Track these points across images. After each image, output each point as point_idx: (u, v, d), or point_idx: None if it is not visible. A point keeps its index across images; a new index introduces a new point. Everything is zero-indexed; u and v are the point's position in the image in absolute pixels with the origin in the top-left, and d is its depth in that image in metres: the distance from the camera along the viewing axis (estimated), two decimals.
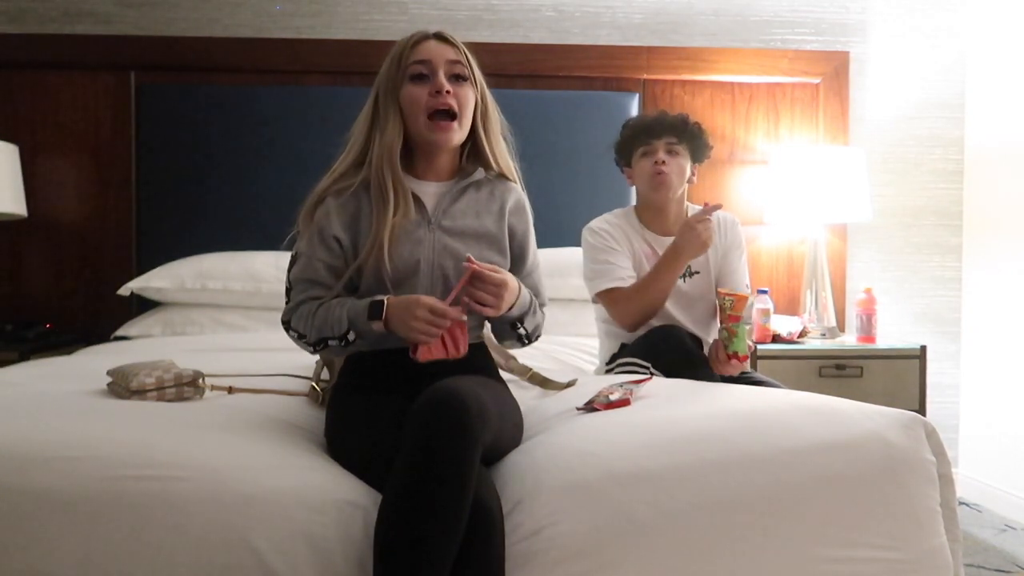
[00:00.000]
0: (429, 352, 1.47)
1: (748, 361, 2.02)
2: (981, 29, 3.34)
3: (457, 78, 1.57)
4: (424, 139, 1.58)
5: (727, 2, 3.33)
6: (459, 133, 1.58)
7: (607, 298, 2.18)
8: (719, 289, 2.10)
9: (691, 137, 2.22)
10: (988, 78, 3.29)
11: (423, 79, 1.56)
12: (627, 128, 2.29)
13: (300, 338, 1.57)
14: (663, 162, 2.18)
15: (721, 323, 2.03)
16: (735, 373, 2.05)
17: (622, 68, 3.25)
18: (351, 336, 1.50)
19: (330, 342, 1.53)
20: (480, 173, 1.63)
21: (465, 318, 1.49)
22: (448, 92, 1.55)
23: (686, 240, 2.06)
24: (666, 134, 2.20)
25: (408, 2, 3.25)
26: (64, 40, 3.12)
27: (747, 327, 2.01)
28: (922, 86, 3.41)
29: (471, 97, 1.59)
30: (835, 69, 3.31)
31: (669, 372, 1.98)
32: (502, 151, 1.66)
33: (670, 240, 2.16)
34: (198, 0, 3.20)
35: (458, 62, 1.58)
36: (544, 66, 3.22)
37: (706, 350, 2.21)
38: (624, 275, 2.17)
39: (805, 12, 3.36)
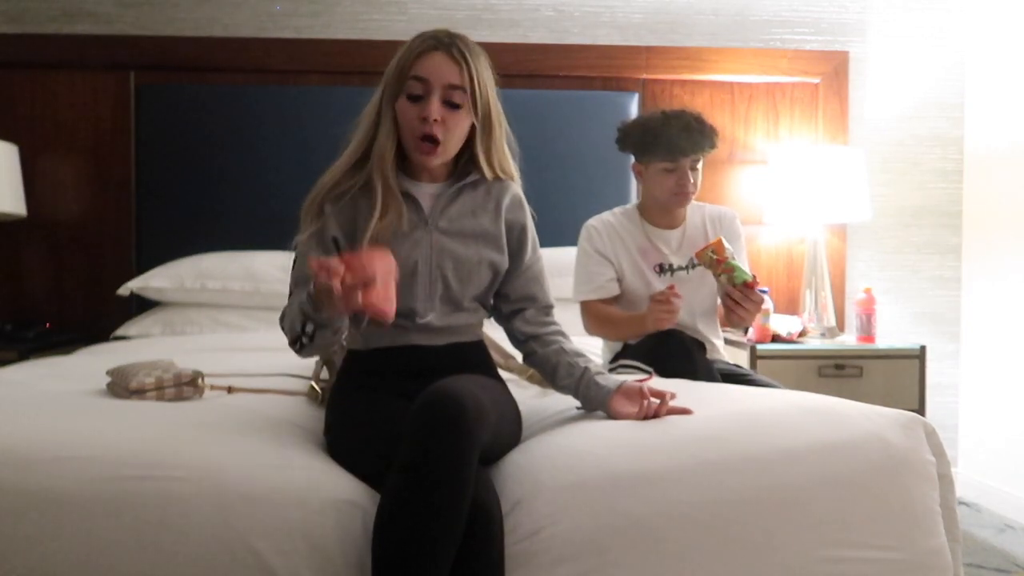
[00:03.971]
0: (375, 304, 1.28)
1: (759, 286, 2.02)
2: (981, 29, 3.34)
3: (452, 103, 1.52)
4: (410, 151, 1.56)
5: (727, 2, 3.33)
6: (441, 157, 1.55)
7: (581, 306, 2.28)
8: (695, 253, 2.08)
9: (714, 147, 2.21)
10: (988, 78, 3.29)
11: (417, 99, 1.52)
12: (650, 134, 2.18)
13: (297, 347, 1.49)
14: (692, 182, 2.18)
15: (717, 275, 2.02)
16: (759, 307, 2.04)
17: (621, 68, 3.25)
18: (308, 328, 1.41)
19: (303, 339, 1.44)
20: (476, 174, 1.62)
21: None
22: (436, 121, 1.50)
23: (652, 316, 2.04)
24: (695, 152, 2.17)
25: (407, 2, 3.25)
26: (64, 40, 3.12)
27: (728, 262, 2.01)
28: (922, 86, 3.41)
29: (464, 123, 1.54)
30: (834, 69, 3.31)
31: (670, 377, 1.98)
32: (502, 159, 1.62)
33: (670, 233, 2.28)
34: (198, 0, 3.20)
35: (458, 87, 1.51)
36: (543, 66, 3.22)
37: (709, 353, 2.22)
38: (600, 283, 2.24)
39: (805, 12, 3.36)
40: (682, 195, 2.20)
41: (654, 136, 2.17)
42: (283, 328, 1.54)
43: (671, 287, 2.04)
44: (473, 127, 1.57)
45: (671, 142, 2.14)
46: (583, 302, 2.27)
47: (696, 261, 2.25)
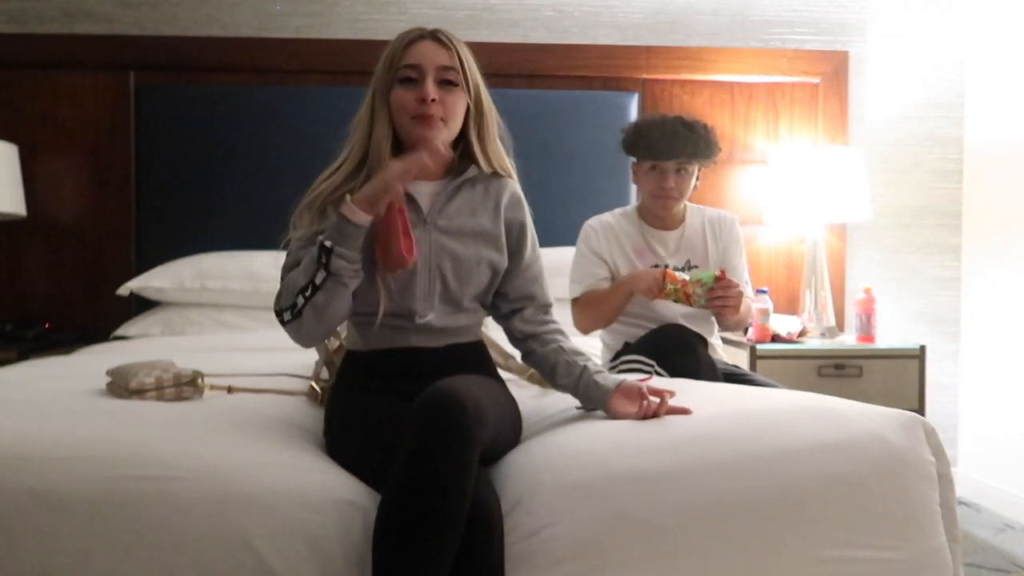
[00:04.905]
0: (391, 255, 1.46)
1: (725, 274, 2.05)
2: (981, 29, 3.34)
3: (447, 83, 1.54)
4: (409, 138, 1.56)
5: (727, 2, 3.33)
6: (443, 132, 1.55)
7: (573, 304, 2.30)
8: (660, 295, 2.09)
9: (703, 155, 2.22)
10: (987, 78, 3.29)
11: (412, 83, 1.53)
12: (639, 136, 2.24)
13: (293, 314, 1.46)
14: (671, 186, 2.21)
15: (692, 294, 2.05)
16: (740, 292, 2.06)
17: (621, 68, 3.25)
18: (319, 278, 1.41)
19: (316, 278, 1.42)
20: (474, 170, 1.61)
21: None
22: (434, 100, 1.51)
23: (636, 281, 2.15)
24: (675, 156, 2.19)
25: (407, 2, 3.25)
26: (64, 40, 3.12)
27: (689, 276, 2.07)
28: (921, 86, 3.41)
29: (460, 103, 1.55)
30: (834, 69, 3.31)
31: (673, 371, 1.99)
32: (496, 152, 1.63)
33: (668, 235, 2.31)
34: (198, 0, 3.20)
35: (450, 68, 1.54)
36: (543, 66, 3.22)
37: (709, 350, 2.23)
38: (593, 283, 2.26)
39: (805, 12, 3.36)
40: (660, 197, 2.23)
41: (641, 135, 2.23)
42: (279, 307, 1.49)
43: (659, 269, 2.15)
44: (467, 115, 1.58)
45: (651, 143, 2.20)
46: (573, 300, 2.29)
47: (692, 264, 2.29)
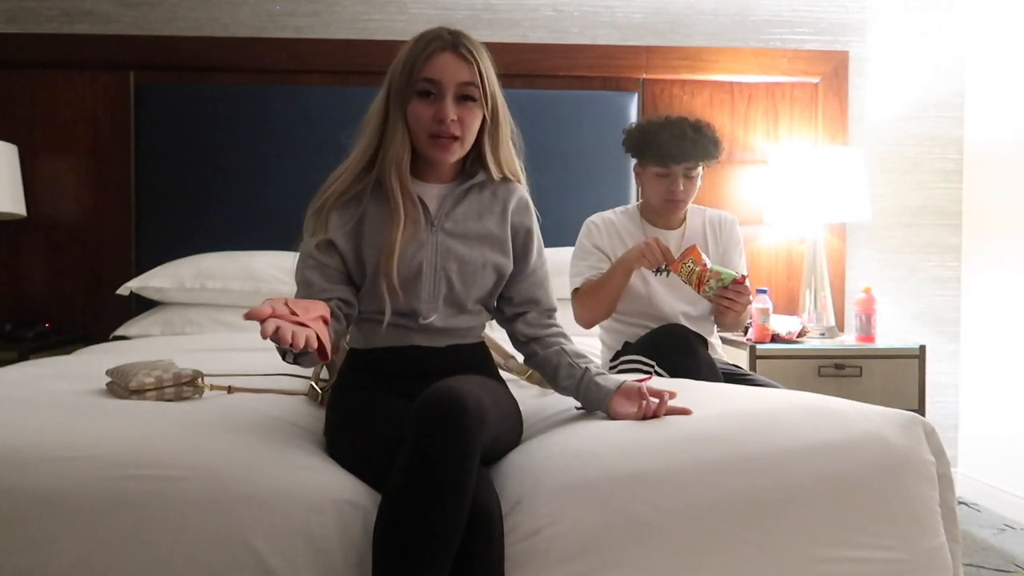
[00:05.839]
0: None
1: (747, 280, 2.01)
2: (981, 29, 3.34)
3: (466, 98, 1.53)
4: (424, 152, 1.57)
5: (727, 2, 3.33)
6: (459, 152, 1.55)
7: (573, 296, 2.27)
8: (672, 266, 2.05)
9: (712, 156, 2.22)
10: (987, 78, 3.29)
11: (430, 96, 1.52)
12: (645, 138, 2.22)
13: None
14: (681, 190, 2.20)
15: (705, 280, 2.00)
16: (750, 300, 2.04)
17: (621, 68, 3.25)
18: (288, 359, 1.45)
19: (287, 359, 1.47)
20: (482, 175, 1.62)
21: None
22: (453, 120, 1.50)
23: (631, 253, 2.14)
24: (686, 160, 2.18)
25: (407, 2, 3.25)
26: (63, 40, 3.12)
27: (711, 266, 2.02)
28: (921, 86, 3.41)
29: (477, 117, 1.54)
30: (834, 69, 3.31)
31: (673, 371, 1.99)
32: (508, 158, 1.63)
33: (669, 234, 2.31)
34: (198, 0, 3.20)
35: (470, 83, 1.52)
36: (543, 66, 3.22)
37: (709, 349, 2.23)
38: (594, 275, 2.24)
39: (804, 12, 3.36)
40: (671, 201, 2.22)
41: (648, 140, 2.21)
42: None
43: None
44: (482, 124, 1.57)
45: (661, 148, 2.18)
46: (574, 291, 2.27)
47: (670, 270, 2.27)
